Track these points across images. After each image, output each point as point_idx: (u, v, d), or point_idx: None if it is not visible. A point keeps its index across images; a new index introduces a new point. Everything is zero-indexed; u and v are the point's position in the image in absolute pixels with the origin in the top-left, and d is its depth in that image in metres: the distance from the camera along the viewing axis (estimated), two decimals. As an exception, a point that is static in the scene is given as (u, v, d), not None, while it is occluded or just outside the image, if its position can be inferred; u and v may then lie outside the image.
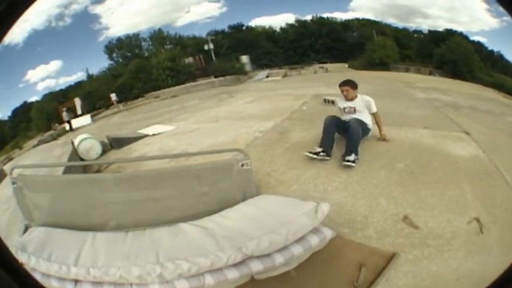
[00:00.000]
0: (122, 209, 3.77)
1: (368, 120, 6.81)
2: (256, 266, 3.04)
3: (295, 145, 6.67)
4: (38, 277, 3.03)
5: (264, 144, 6.98)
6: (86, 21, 16.11)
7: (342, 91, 6.87)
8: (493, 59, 14.43)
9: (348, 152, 5.91)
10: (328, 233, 3.41)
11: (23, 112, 16.08)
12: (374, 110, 6.83)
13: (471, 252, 3.99)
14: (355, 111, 6.77)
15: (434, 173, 5.58)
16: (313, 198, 4.68)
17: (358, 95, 6.91)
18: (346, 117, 6.69)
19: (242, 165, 4.19)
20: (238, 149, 4.66)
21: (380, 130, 6.91)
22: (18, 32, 14.48)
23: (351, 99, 6.85)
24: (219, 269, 2.96)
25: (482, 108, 10.36)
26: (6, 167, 9.02)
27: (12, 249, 3.02)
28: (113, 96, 16.24)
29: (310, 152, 6.13)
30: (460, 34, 14.64)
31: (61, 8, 15.29)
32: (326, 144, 6.20)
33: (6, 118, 15.79)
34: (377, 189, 5.10)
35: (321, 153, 6.10)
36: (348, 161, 5.82)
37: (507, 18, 12.91)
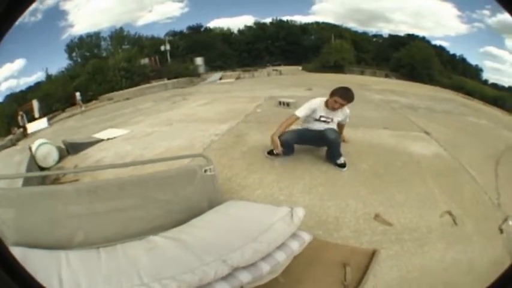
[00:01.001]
0: (87, 222, 3.57)
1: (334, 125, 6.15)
2: (245, 277, 2.92)
3: (252, 148, 6.57)
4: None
5: (221, 148, 6.87)
6: (54, 17, 15.82)
7: (336, 102, 5.78)
8: (454, 63, 15.13)
9: (337, 156, 5.84)
10: (307, 237, 3.34)
11: None
12: (346, 121, 6.31)
13: (450, 243, 4.05)
14: (332, 121, 6.03)
15: (398, 172, 5.67)
16: (279, 202, 4.66)
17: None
18: (317, 127, 5.97)
19: (205, 171, 4.06)
20: (201, 154, 4.54)
21: (340, 134, 6.29)
22: None
23: (333, 109, 5.92)
24: (208, 283, 2.84)
25: (441, 109, 10.75)
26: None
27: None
28: (78, 96, 15.85)
29: (271, 153, 6.13)
30: (422, 39, 15.22)
31: (37, 2, 14.95)
32: (285, 151, 6.04)
33: None
34: (343, 190, 5.09)
35: (281, 154, 6.00)
36: (342, 165, 5.81)
37: (479, 24, 13.57)
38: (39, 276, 2.86)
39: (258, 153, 6.34)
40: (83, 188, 3.87)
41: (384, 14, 16.33)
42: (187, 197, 3.95)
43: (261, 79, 17.03)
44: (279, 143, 5.69)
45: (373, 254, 3.64)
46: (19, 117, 14.15)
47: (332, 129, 5.83)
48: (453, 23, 13.99)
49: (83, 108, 15.66)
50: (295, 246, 3.22)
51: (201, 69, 18.58)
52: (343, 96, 5.71)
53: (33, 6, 15.02)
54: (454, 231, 4.28)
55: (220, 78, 17.78)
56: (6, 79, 14.91)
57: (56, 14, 15.79)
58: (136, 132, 9.15)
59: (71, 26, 16.82)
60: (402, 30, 16.08)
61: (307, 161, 6.01)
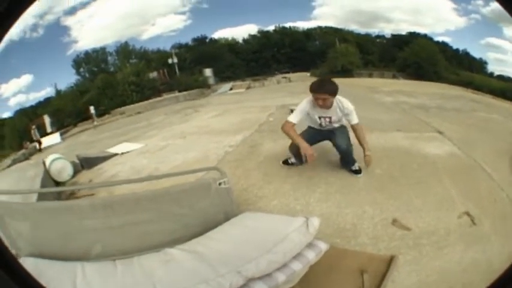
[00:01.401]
0: (103, 236, 3.58)
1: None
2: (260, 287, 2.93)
3: (267, 158, 6.53)
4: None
5: (236, 159, 6.83)
6: (57, 33, 16.02)
7: (317, 99, 5.25)
8: (459, 58, 14.86)
9: (351, 163, 5.68)
10: (323, 246, 3.32)
11: None
12: (354, 121, 5.44)
13: (469, 243, 4.03)
14: (330, 122, 5.52)
15: (414, 174, 5.60)
16: (296, 212, 4.65)
17: (337, 101, 5.38)
18: (325, 127, 5.62)
19: (220, 184, 4.04)
20: (215, 168, 4.50)
21: (364, 149, 5.56)
22: None
23: (327, 107, 5.34)
24: (223, 295, 2.83)
25: (451, 106, 10.60)
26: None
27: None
28: (91, 110, 15.97)
29: (286, 162, 6.09)
30: (424, 36, 15.12)
31: (37, 18, 15.14)
32: (298, 159, 5.92)
33: None
34: (360, 197, 5.03)
35: (296, 163, 6.01)
36: (357, 171, 5.67)
37: (475, 15, 13.50)
38: (51, 286, 2.89)
39: (273, 163, 6.30)
40: (98, 203, 3.89)
41: (384, 14, 16.17)
42: (203, 210, 3.94)
43: (271, 87, 16.92)
44: (306, 145, 5.17)
45: (391, 260, 3.60)
46: (32, 132, 14.28)
47: (343, 136, 5.53)
48: (451, 17, 13.85)
49: (95, 123, 15.76)
50: (312, 256, 3.21)
51: (211, 81, 18.56)
52: (313, 89, 5.23)
53: (33, 21, 15.39)
54: (472, 232, 4.23)
55: (231, 89, 17.69)
56: (14, 94, 15.11)
57: (58, 30, 15.87)
58: (150, 146, 9.16)
59: (75, 41, 16.91)
60: (403, 28, 15.90)
61: (323, 168, 5.91)
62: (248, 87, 17.02)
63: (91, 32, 17.14)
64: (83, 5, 16.10)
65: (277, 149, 6.73)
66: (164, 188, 4.13)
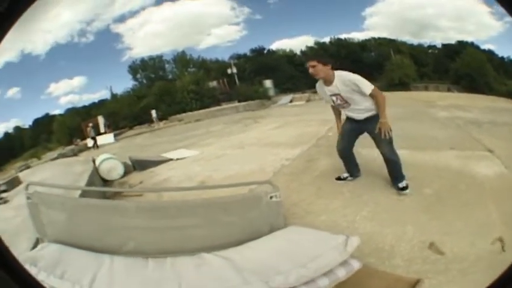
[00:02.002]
0: (143, 235, 3.63)
1: (370, 102, 5.17)
2: (283, 300, 2.88)
3: (323, 173, 6.37)
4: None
5: (292, 172, 6.72)
6: (108, 39, 17.29)
7: (308, 68, 5.06)
8: (505, 66, 14.52)
9: (399, 178, 5.37)
10: (356, 265, 3.21)
11: (44, 124, 17.09)
12: (367, 90, 4.98)
13: (494, 269, 3.84)
14: (344, 100, 5.20)
15: (461, 196, 5.26)
16: (341, 229, 4.52)
17: (336, 75, 5.10)
18: (348, 113, 5.43)
19: (271, 197, 4.00)
20: (268, 182, 4.44)
21: (381, 115, 5.13)
22: (40, 42, 15.56)
23: (328, 82, 5.13)
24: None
25: (502, 121, 10.08)
26: (22, 175, 9.28)
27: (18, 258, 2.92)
28: (153, 113, 16.66)
29: (339, 178, 5.88)
30: (471, 45, 14.83)
31: (83, 23, 16.42)
32: (349, 169, 5.81)
33: (27, 127, 16.44)
34: (404, 216, 4.81)
35: (349, 178, 5.83)
36: (403, 188, 5.31)
37: (508, 19, 13.05)
38: (68, 272, 2.94)
39: (327, 178, 6.13)
40: (145, 206, 3.97)
41: (431, 22, 16.21)
42: (250, 220, 3.88)
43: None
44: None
45: (415, 283, 3.52)
46: (88, 130, 14.90)
47: (389, 148, 5.25)
48: (490, 21, 13.60)
49: (156, 126, 16.41)
50: (342, 274, 3.11)
51: (271, 92, 18.71)
52: (305, 59, 5.04)
53: (80, 26, 16.60)
54: (500, 258, 4.03)
55: (291, 101, 17.67)
56: (66, 94, 16.53)
57: (109, 37, 17.18)
58: (206, 154, 9.25)
59: (129, 48, 18.09)
60: (452, 37, 15.89)
61: (376, 185, 5.69)
62: (308, 100, 16.89)
63: (144, 40, 18.22)
64: (132, 14, 17.23)
65: (333, 164, 6.51)
66: (214, 197, 4.14)
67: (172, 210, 3.82)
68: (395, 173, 5.39)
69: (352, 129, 5.51)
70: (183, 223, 3.73)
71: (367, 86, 4.97)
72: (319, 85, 5.33)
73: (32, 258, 3.10)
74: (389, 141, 5.22)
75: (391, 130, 5.15)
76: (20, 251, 3.84)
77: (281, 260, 3.06)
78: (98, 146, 14.57)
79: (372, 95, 5.04)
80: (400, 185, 5.32)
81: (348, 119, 5.54)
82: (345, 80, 5.02)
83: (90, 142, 15.02)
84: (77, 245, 3.44)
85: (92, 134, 15.07)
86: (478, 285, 3.59)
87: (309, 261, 2.97)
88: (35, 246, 3.94)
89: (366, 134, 5.41)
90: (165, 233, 3.66)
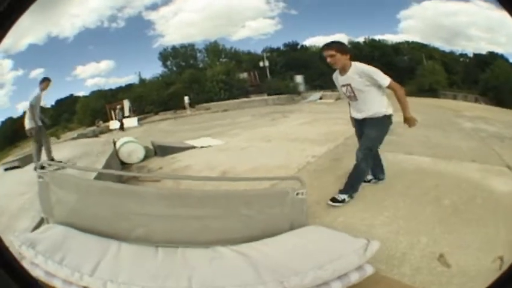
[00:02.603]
0: (156, 222, 3.51)
1: (381, 103, 4.98)
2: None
3: (347, 173, 6.16)
4: (39, 273, 2.80)
5: (316, 170, 6.61)
6: (140, 26, 17.55)
7: (326, 58, 4.91)
8: None
9: (348, 190, 5.19)
10: (370, 270, 3.07)
11: (67, 104, 17.55)
12: (385, 82, 4.75)
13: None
14: (353, 92, 4.99)
15: (476, 209, 5.11)
16: (359, 232, 4.37)
17: (353, 65, 4.91)
18: (353, 110, 5.31)
19: (297, 194, 3.85)
20: (296, 177, 4.28)
21: (404, 111, 4.97)
22: (68, 26, 15.90)
23: (343, 71, 4.96)
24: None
25: None
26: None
27: (15, 239, 2.90)
28: (186, 99, 16.88)
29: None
30: (501, 57, 14.75)
31: (113, 10, 16.77)
32: (373, 171, 5.60)
33: (49, 106, 16.63)
34: (420, 226, 4.70)
35: (373, 180, 5.67)
36: (335, 200, 5.12)
37: None
38: (68, 258, 2.80)
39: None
40: (165, 194, 3.87)
41: (463, 30, 16.09)
42: (272, 216, 3.75)
43: (360, 101, 16.78)
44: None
45: None
46: (116, 112, 15.11)
47: (365, 154, 5.09)
48: None
49: (188, 112, 16.49)
50: (355, 278, 2.98)
51: (301, 88, 18.68)
52: (323, 48, 4.95)
53: (110, 12, 16.96)
54: (494, 276, 3.90)
55: (321, 98, 17.62)
56: (92, 77, 16.86)
57: (141, 23, 17.34)
58: (231, 145, 9.21)
59: (161, 36, 18.27)
60: (483, 47, 15.72)
61: (398, 190, 5.60)
62: (338, 98, 16.67)
63: (177, 29, 18.35)
64: (165, 1, 17.39)
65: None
66: (239, 190, 4.11)
67: (193, 199, 3.71)
68: (350, 180, 5.22)
69: (358, 130, 5.45)
70: (202, 213, 3.61)
71: (384, 78, 4.78)
72: (335, 75, 5.20)
73: (30, 240, 2.98)
74: (369, 149, 5.12)
75: (417, 121, 4.99)
76: (20, 230, 3.91)
77: (299, 259, 2.95)
78: (123, 128, 14.77)
79: (390, 87, 4.82)
80: (341, 196, 5.15)
81: (352, 119, 5.50)
82: (361, 71, 4.84)
83: (114, 124, 15.39)
84: (84, 228, 3.35)
85: (120, 116, 15.37)
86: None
87: (327, 263, 2.85)
88: (37, 226, 3.92)
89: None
90: (181, 222, 3.54)
